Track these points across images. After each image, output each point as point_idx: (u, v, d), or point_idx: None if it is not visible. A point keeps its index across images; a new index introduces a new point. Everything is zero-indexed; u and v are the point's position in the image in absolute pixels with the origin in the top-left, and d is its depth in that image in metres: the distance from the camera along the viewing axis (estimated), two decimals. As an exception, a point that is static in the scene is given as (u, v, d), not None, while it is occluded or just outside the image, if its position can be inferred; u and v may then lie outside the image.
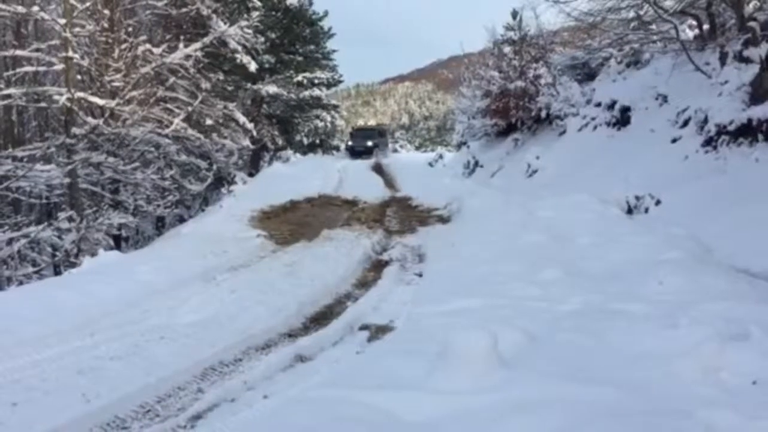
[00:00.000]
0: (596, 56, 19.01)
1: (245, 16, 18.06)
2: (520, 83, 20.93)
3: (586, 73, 20.08)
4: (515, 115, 21.37)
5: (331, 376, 4.67)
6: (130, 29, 15.12)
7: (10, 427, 3.85)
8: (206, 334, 5.70)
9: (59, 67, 13.09)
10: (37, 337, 5.59)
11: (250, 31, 16.40)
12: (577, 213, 9.65)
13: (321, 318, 6.63)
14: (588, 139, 15.88)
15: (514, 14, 23.37)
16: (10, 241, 11.56)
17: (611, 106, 15.42)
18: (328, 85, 31.25)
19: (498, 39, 24.13)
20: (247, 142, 20.22)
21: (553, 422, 3.34)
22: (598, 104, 16.27)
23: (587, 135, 16.18)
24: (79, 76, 13.76)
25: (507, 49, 23.24)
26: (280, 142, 28.96)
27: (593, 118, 16.28)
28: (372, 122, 43.92)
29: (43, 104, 13.85)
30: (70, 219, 12.25)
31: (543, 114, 19.61)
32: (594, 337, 4.65)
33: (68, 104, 12.42)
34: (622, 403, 3.52)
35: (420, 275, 8.36)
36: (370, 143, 32.63)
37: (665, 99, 13.58)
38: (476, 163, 22.55)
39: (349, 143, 33.53)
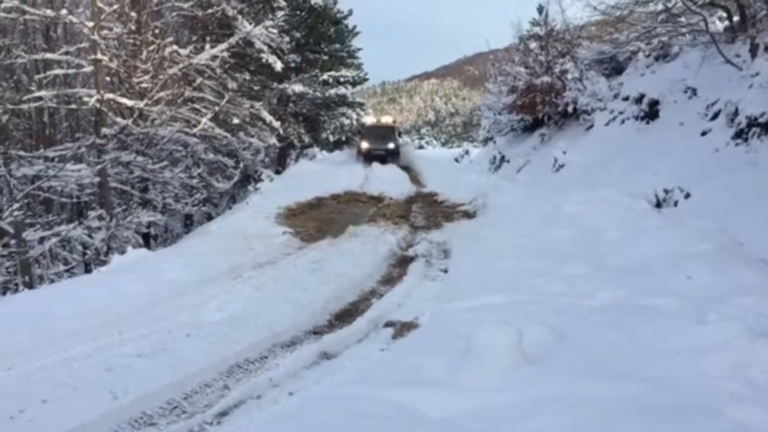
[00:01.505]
0: (624, 50, 18.76)
1: (270, 16, 18.11)
2: (546, 78, 20.76)
3: (614, 68, 19.83)
4: (542, 111, 21.20)
5: (356, 374, 4.68)
6: (157, 31, 15.27)
7: (41, 423, 3.92)
8: (232, 331, 5.74)
9: (88, 69, 13.28)
10: (67, 335, 5.68)
11: (275, 31, 16.47)
12: (605, 207, 9.54)
13: (346, 315, 6.64)
14: (615, 134, 15.70)
15: (540, 9, 23.20)
16: (41, 240, 11.78)
17: (639, 100, 15.22)
18: (354, 83, 31.28)
19: (524, 34, 23.97)
20: (273, 140, 20.34)
21: (579, 418, 3.30)
22: (626, 98, 16.07)
23: (615, 129, 16.00)
24: (108, 78, 13.94)
25: (533, 44, 23.06)
26: (306, 139, 29.10)
27: (621, 113, 16.09)
28: (389, 119, 30.25)
29: (73, 106, 14.07)
30: (100, 217, 12.43)
31: (570, 109, 19.43)
32: (621, 333, 4.59)
33: (98, 105, 12.59)
34: (649, 399, 3.47)
35: (445, 271, 8.33)
36: (391, 145, 25.04)
37: (694, 92, 13.38)
38: (502, 159, 22.44)
39: (364, 145, 25.11)
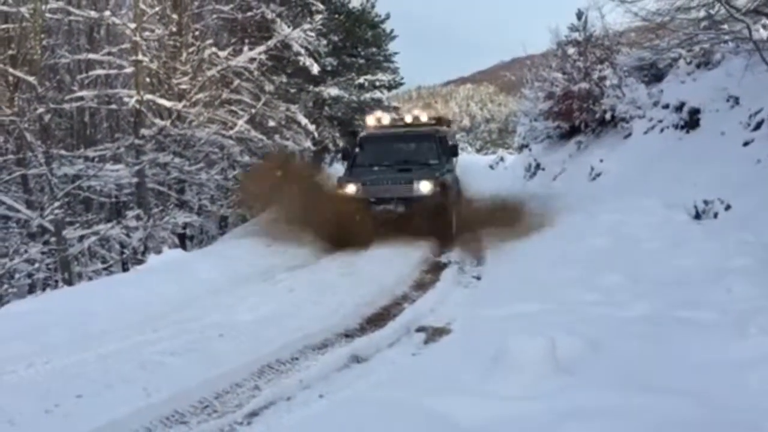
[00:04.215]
0: (664, 57, 18.43)
1: (308, 19, 18.25)
2: (584, 85, 20.51)
3: (654, 75, 19.52)
4: (579, 118, 20.95)
5: (387, 378, 4.66)
6: (197, 33, 15.47)
7: (75, 418, 3.97)
8: (264, 333, 5.77)
9: (129, 70, 13.50)
10: (102, 332, 5.78)
11: (312, 34, 16.58)
12: (642, 217, 9.40)
13: (377, 319, 6.62)
14: (654, 142, 15.44)
15: (579, 15, 22.95)
16: (81, 238, 12.00)
17: (679, 108, 14.95)
18: (390, 88, 31.27)
19: (562, 40, 23.73)
20: (308, 144, 20.43)
21: (614, 431, 3.25)
22: (666, 106, 15.79)
23: (654, 138, 15.73)
24: (147, 79, 14.16)
25: (571, 50, 22.81)
26: (341, 143, 29.19)
27: (660, 121, 15.82)
28: (424, 115, 13.63)
29: (113, 106, 14.33)
30: (137, 217, 12.62)
31: (607, 116, 19.16)
32: (658, 345, 4.50)
33: (137, 106, 12.80)
34: (686, 413, 3.39)
35: (478, 278, 8.29)
36: (426, 188, 10.68)
37: (737, 101, 13.09)
38: (538, 166, 22.24)
39: (352, 189, 10.94)
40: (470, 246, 10.30)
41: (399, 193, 10.57)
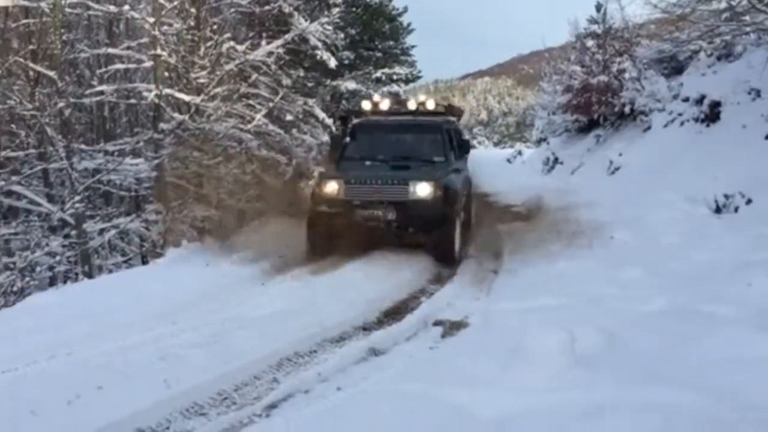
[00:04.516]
0: (684, 49, 18.24)
1: (326, 12, 18.21)
2: (603, 78, 20.37)
3: (674, 67, 19.32)
4: (597, 111, 20.80)
5: (405, 371, 4.66)
6: (215, 27, 15.51)
7: (96, 409, 4.02)
8: (282, 326, 5.79)
9: (148, 64, 13.58)
10: (123, 324, 5.83)
11: (330, 27, 16.55)
12: (662, 211, 9.33)
13: (395, 312, 6.63)
14: (674, 136, 15.30)
15: (599, 7, 22.76)
16: (101, 232, 12.11)
17: (700, 101, 14.79)
18: (407, 81, 31.18)
19: (581, 32, 23.57)
20: (326, 138, 20.44)
21: (634, 425, 3.23)
22: (686, 99, 15.64)
23: (674, 131, 15.59)
24: (166, 73, 14.22)
25: (590, 42, 22.65)
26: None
27: (680, 114, 15.66)
28: (430, 102, 11.09)
29: (132, 100, 14.42)
30: (156, 211, 12.71)
31: (627, 109, 19.01)
32: (678, 340, 4.47)
33: (156, 100, 12.87)
34: (706, 408, 3.36)
35: (495, 272, 8.27)
36: (425, 191, 8.66)
37: (758, 93, 12.93)
38: (556, 160, 22.12)
39: (332, 188, 8.98)
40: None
41: (390, 196, 8.65)
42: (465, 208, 10.03)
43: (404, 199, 8.63)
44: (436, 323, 6.06)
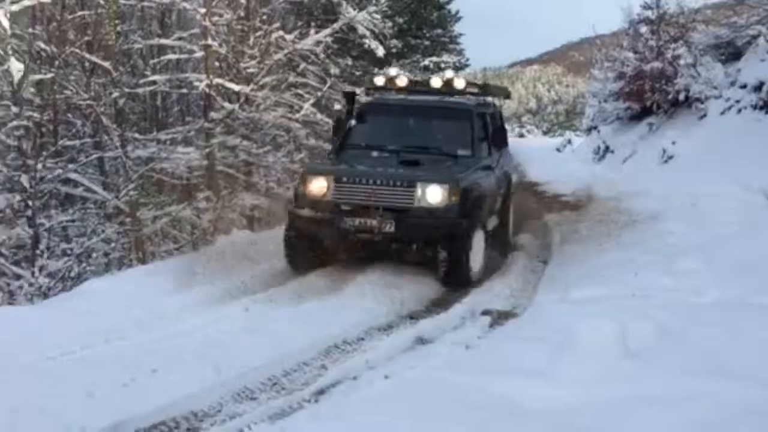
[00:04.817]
0: (742, 34, 17.66)
1: (374, 1, 18.19)
2: (656, 64, 19.84)
3: (731, 53, 18.72)
4: (650, 98, 20.29)
5: (452, 360, 4.65)
6: (265, 17, 15.64)
7: (151, 391, 4.12)
8: (331, 313, 5.84)
9: (199, 54, 13.77)
10: (176, 310, 5.97)
11: (378, 16, 16.52)
12: (718, 201, 9.07)
13: (442, 301, 6.62)
14: (731, 124, 14.85)
15: (652, -8, 22.19)
16: (154, 219, 12.38)
17: (758, 88, 14.31)
18: (455, 69, 30.95)
19: (634, 18, 23.02)
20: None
21: (690, 418, 3.16)
22: (744, 86, 15.15)
23: (730, 119, 15.13)
24: (216, 63, 14.41)
25: (643, 28, 22.10)
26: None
27: (737, 101, 15.19)
28: (459, 80, 8.94)
29: (184, 90, 14.66)
30: (207, 199, 12.91)
31: (681, 97, 18.49)
32: (734, 332, 4.36)
33: (207, 90, 13.05)
34: (759, 401, 3.28)
35: (545, 262, 8.17)
36: (433, 197, 6.86)
37: (821, 79, 12.48)
38: (606, 149, 21.70)
39: (319, 185, 7.12)
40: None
41: (390, 201, 6.82)
42: (500, 212, 8.76)
43: (408, 206, 6.84)
44: (484, 313, 6.02)
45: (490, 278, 7.43)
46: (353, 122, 8.28)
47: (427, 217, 6.80)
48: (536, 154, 23.02)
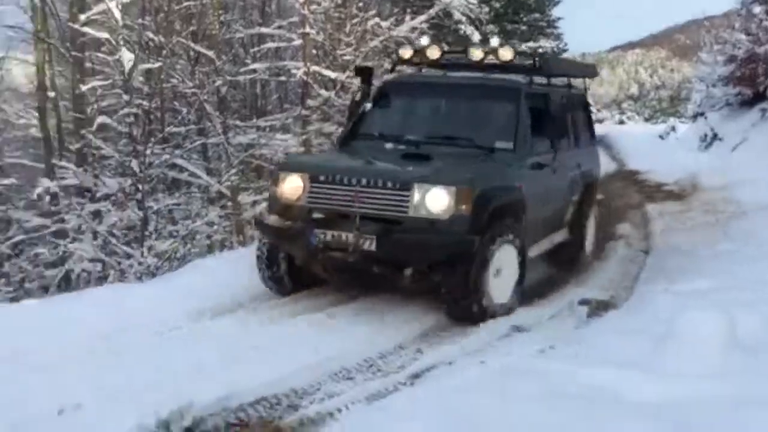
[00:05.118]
0: None
1: (470, -14, 18.02)
2: (771, 46, 18.78)
3: None
4: (763, 83, 19.23)
5: (549, 349, 4.58)
6: (361, 4, 15.76)
7: (254, 368, 4.27)
8: (427, 298, 5.86)
9: (297, 42, 14.04)
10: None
11: (474, 1, 16.36)
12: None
13: (539, 289, 6.53)
14: None
15: (768, -31, 20.94)
16: (253, 204, 12.78)
17: None
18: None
19: (747, -2, 21.82)
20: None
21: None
22: None
23: None
24: (314, 51, 14.65)
25: (757, 8, 20.90)
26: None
27: None
28: (505, 51, 6.21)
29: (282, 78, 15.00)
30: (304, 185, 13.20)
31: (798, 81, 17.46)
32: None
33: (304, 77, 13.30)
34: None
35: (646, 252, 7.93)
36: (421, 198, 5.10)
37: None
38: (714, 136, 20.71)
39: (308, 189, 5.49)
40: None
41: (376, 208, 5.21)
42: (571, 224, 7.31)
43: (400, 215, 5.17)
44: (582, 302, 5.89)
45: (588, 267, 7.26)
46: (368, 106, 6.68)
47: (423, 232, 5.11)
48: (637, 142, 22.25)
